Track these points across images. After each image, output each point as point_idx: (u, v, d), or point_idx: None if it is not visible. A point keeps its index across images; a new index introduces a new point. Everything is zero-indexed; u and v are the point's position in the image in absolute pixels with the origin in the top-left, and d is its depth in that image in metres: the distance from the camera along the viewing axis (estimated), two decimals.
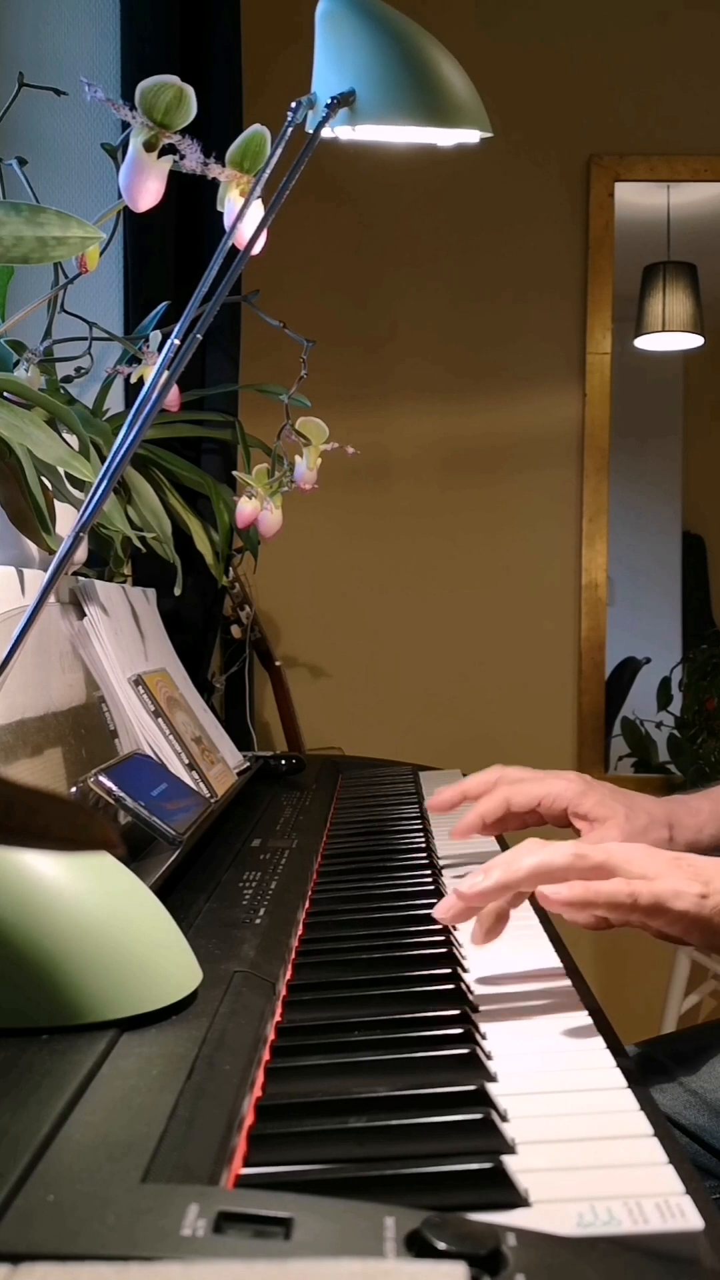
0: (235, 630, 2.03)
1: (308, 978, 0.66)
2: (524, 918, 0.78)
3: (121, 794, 0.79)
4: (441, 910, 0.67)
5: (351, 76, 0.72)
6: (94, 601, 1.02)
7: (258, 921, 0.74)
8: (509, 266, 2.36)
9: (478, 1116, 0.47)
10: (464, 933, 0.74)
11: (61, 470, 0.89)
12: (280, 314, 1.14)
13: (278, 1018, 0.60)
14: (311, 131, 0.73)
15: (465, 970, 0.67)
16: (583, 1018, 0.60)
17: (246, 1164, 0.44)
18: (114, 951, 0.56)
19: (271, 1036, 0.57)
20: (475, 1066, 0.53)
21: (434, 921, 0.74)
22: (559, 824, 0.90)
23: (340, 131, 0.74)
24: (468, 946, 0.71)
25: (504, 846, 0.98)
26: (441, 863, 0.94)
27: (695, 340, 2.66)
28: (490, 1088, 0.50)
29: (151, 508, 1.16)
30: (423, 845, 0.97)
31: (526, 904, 0.82)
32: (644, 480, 2.88)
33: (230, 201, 0.78)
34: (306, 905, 0.81)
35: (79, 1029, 0.54)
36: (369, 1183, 0.43)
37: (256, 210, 0.76)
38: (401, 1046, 0.55)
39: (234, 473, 1.27)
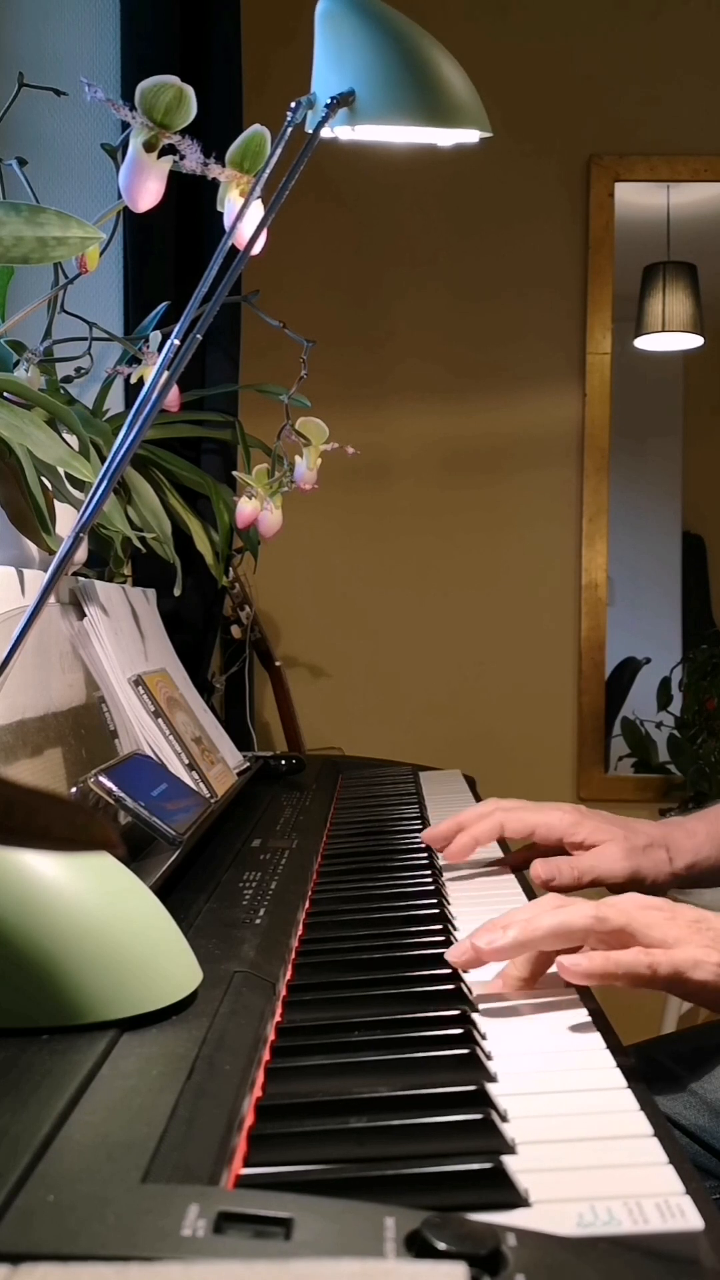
0: (235, 630, 2.03)
1: (308, 978, 0.66)
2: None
3: (121, 794, 0.79)
4: (454, 955, 0.66)
5: (351, 76, 0.72)
6: (94, 601, 1.02)
7: (258, 921, 0.74)
8: (509, 266, 2.36)
9: (478, 1116, 0.47)
10: (464, 934, 0.74)
11: (61, 470, 0.89)
12: (280, 314, 1.14)
13: (278, 1018, 0.60)
14: (311, 131, 0.73)
15: (465, 970, 0.67)
16: (583, 1018, 0.60)
17: (246, 1164, 0.44)
18: (114, 951, 0.56)
19: (271, 1036, 0.57)
20: (475, 1066, 0.53)
21: (435, 921, 0.74)
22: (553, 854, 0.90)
23: (340, 131, 0.74)
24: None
25: (505, 849, 0.98)
26: (441, 863, 0.94)
27: (695, 340, 2.66)
28: (490, 1088, 0.50)
29: (151, 508, 1.16)
30: (423, 845, 0.97)
31: (523, 899, 0.82)
32: (644, 480, 2.88)
33: (230, 201, 0.78)
34: (306, 905, 0.81)
35: (79, 1029, 0.54)
36: (369, 1183, 0.43)
37: (256, 210, 0.76)
38: (401, 1046, 0.55)
39: (234, 473, 1.27)
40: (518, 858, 0.93)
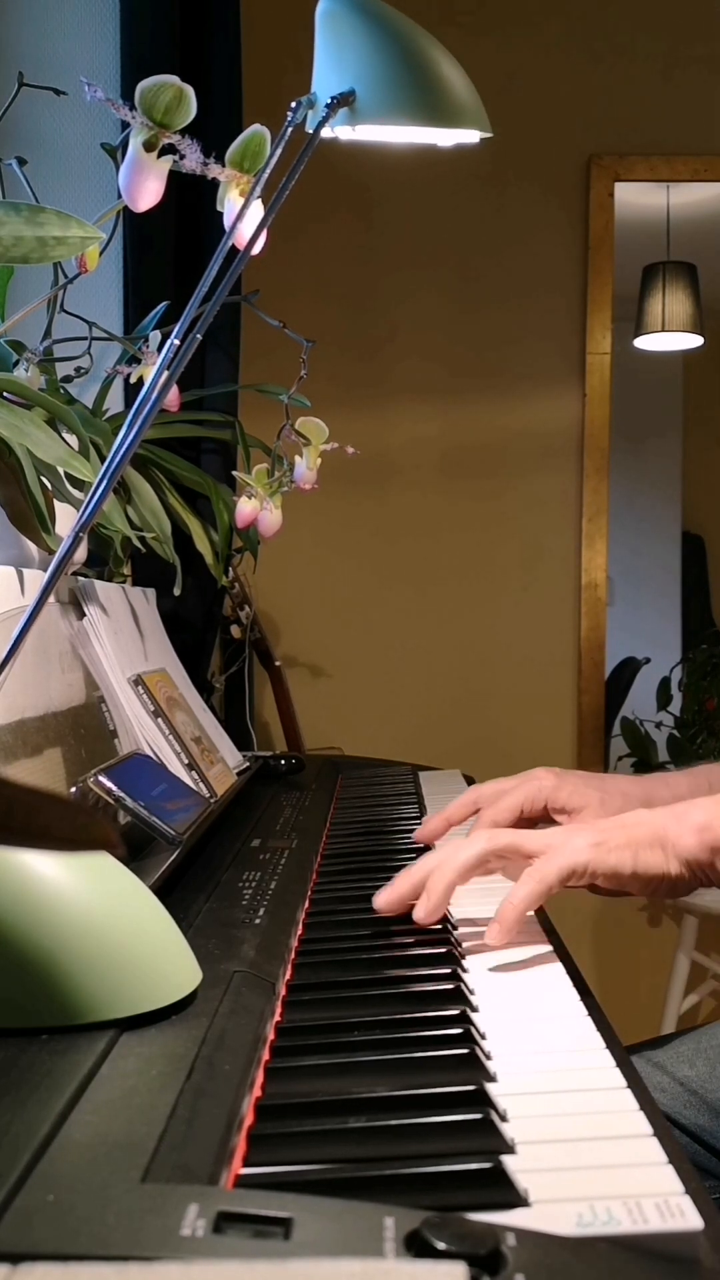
0: (235, 630, 2.03)
1: (307, 978, 0.66)
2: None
3: (121, 794, 0.79)
4: (382, 904, 0.75)
5: (351, 76, 0.72)
6: (94, 601, 1.02)
7: (257, 921, 0.74)
8: (509, 266, 2.36)
9: (477, 1116, 0.47)
10: (463, 932, 0.74)
11: (61, 470, 0.89)
12: (280, 314, 1.14)
13: (277, 1018, 0.60)
14: (311, 131, 0.73)
15: (465, 970, 0.67)
16: (583, 1017, 0.60)
17: (246, 1164, 0.44)
18: (114, 951, 0.56)
19: (271, 1036, 0.57)
20: (475, 1066, 0.53)
21: (435, 921, 0.74)
22: (542, 824, 0.91)
23: (340, 131, 0.74)
24: (470, 953, 0.71)
25: None
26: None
27: (695, 340, 2.66)
28: (490, 1088, 0.50)
29: (151, 508, 1.16)
30: (422, 845, 0.97)
31: None
32: (644, 480, 2.88)
33: (230, 201, 0.78)
34: (306, 905, 0.81)
35: (79, 1029, 0.54)
36: (369, 1183, 0.43)
37: (256, 210, 0.76)
38: (401, 1046, 0.55)
39: (234, 473, 1.27)
40: None
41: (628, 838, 0.72)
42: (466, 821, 0.93)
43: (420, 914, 0.72)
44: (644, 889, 0.73)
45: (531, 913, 0.81)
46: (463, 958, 0.70)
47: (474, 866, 0.73)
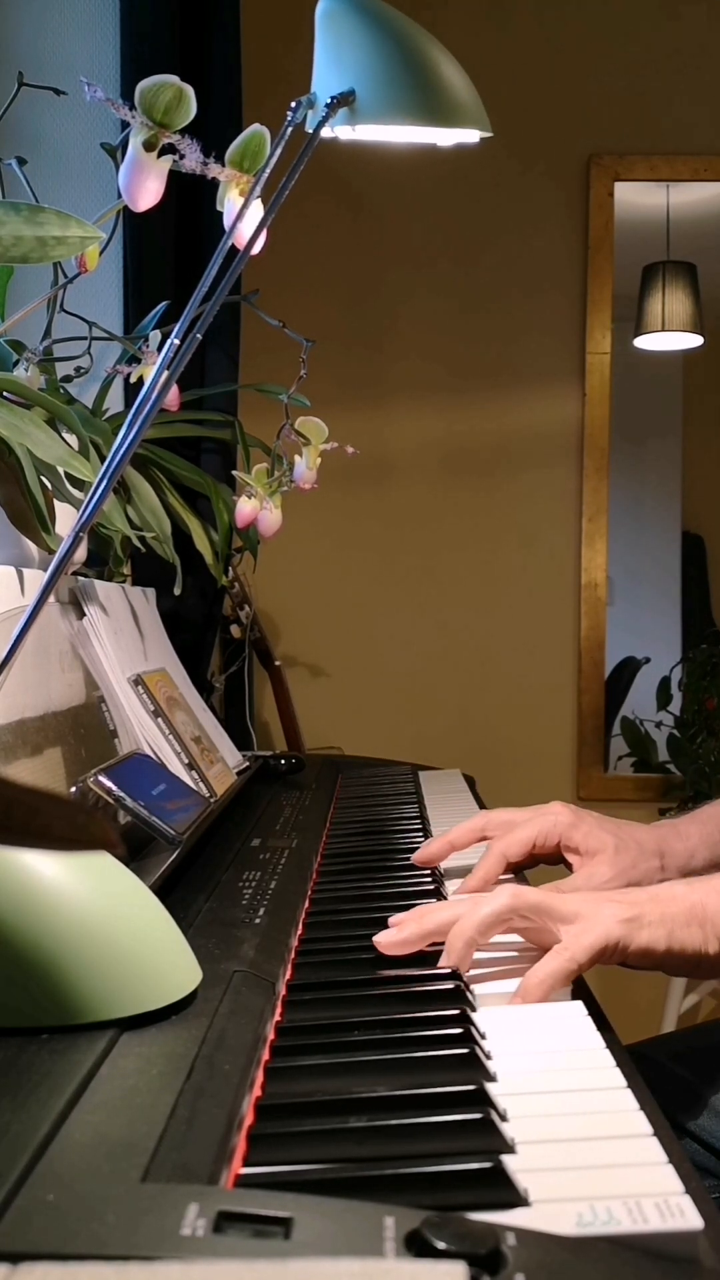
0: (235, 630, 2.03)
1: (307, 977, 0.66)
2: None
3: (121, 794, 0.79)
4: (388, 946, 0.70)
5: (351, 76, 0.72)
6: (94, 601, 1.02)
7: (257, 921, 0.74)
8: (509, 266, 2.36)
9: (477, 1116, 0.47)
10: None
11: (61, 470, 0.89)
12: (280, 314, 1.14)
13: (277, 1017, 0.60)
14: (311, 131, 0.73)
15: (465, 970, 0.67)
16: (583, 1018, 0.60)
17: (246, 1164, 0.44)
18: (114, 951, 0.56)
19: (271, 1036, 0.57)
20: (474, 1066, 0.53)
21: None
22: (552, 860, 0.90)
23: (340, 131, 0.74)
24: None
25: None
26: (441, 863, 0.93)
27: (695, 340, 2.66)
28: (490, 1087, 0.50)
29: (151, 507, 1.16)
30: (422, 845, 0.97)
31: None
32: (644, 480, 2.88)
33: (230, 201, 0.78)
34: (306, 905, 0.81)
35: (79, 1029, 0.54)
36: (369, 1183, 0.43)
37: (256, 210, 0.76)
38: (401, 1046, 0.55)
39: (234, 472, 1.27)
40: (514, 866, 0.92)
41: (662, 913, 0.67)
42: (471, 848, 0.91)
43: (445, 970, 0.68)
44: (679, 969, 0.68)
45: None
46: None
47: (496, 924, 0.67)
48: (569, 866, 0.87)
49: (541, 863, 0.89)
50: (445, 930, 0.68)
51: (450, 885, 0.88)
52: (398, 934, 0.69)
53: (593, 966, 0.65)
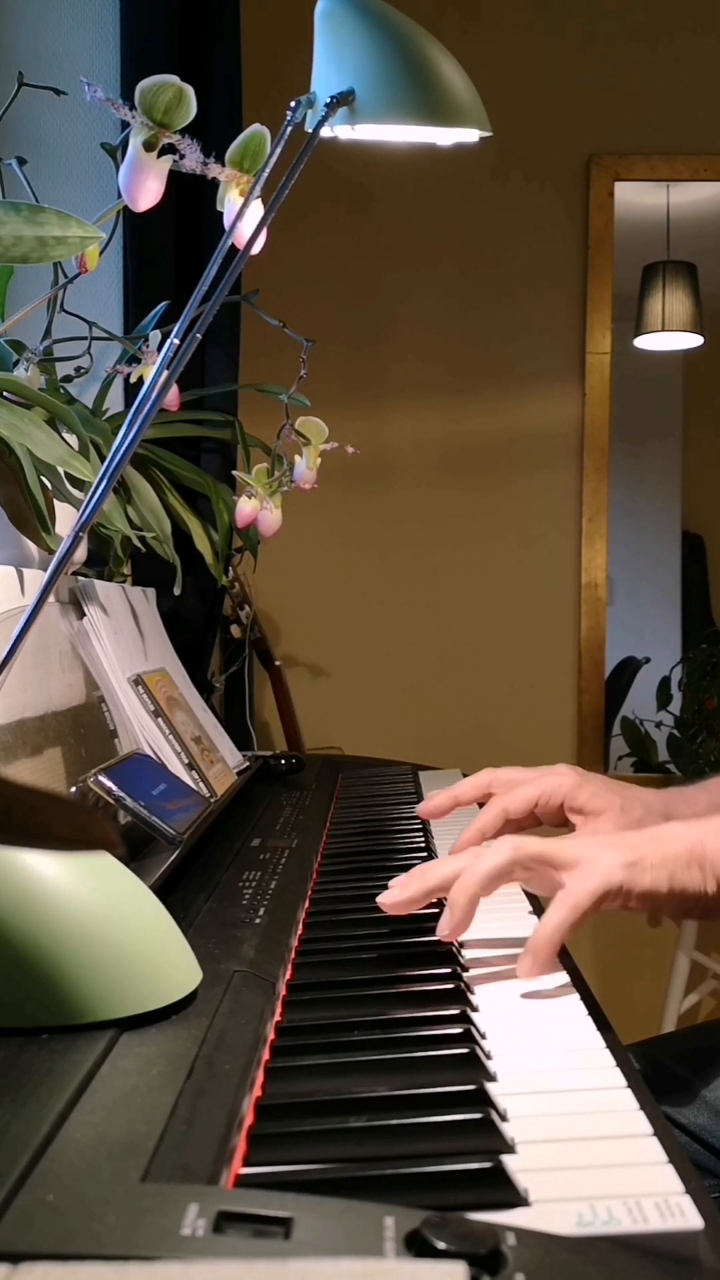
0: (235, 630, 2.03)
1: (307, 977, 0.66)
2: (524, 918, 0.78)
3: (121, 794, 0.79)
4: (390, 904, 0.70)
5: (351, 76, 0.72)
6: (94, 601, 1.02)
7: (257, 921, 0.74)
8: (508, 266, 2.36)
9: (477, 1116, 0.47)
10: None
11: (61, 470, 0.89)
12: (280, 314, 1.14)
13: (277, 1017, 0.60)
14: (311, 131, 0.73)
15: (465, 970, 0.67)
16: (583, 1017, 0.60)
17: (246, 1164, 0.44)
18: (114, 951, 0.56)
19: (271, 1036, 0.57)
20: (475, 1066, 0.53)
21: (434, 919, 0.74)
22: (555, 822, 0.89)
23: (340, 131, 0.74)
24: (467, 946, 0.71)
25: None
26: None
27: (695, 340, 2.65)
28: (490, 1087, 0.50)
29: (151, 507, 1.16)
30: (423, 845, 0.97)
31: (525, 905, 0.82)
32: (644, 480, 2.88)
33: (230, 201, 0.78)
34: (306, 905, 0.81)
35: (79, 1029, 0.54)
36: (369, 1182, 0.43)
37: (256, 210, 0.76)
38: (401, 1046, 0.55)
39: (234, 472, 1.27)
40: (516, 825, 0.91)
41: (663, 854, 0.67)
42: (473, 807, 0.91)
43: (445, 930, 0.67)
44: (680, 910, 0.68)
45: (532, 915, 0.81)
46: (463, 958, 0.69)
47: (499, 877, 0.67)
48: (573, 829, 0.87)
49: (545, 824, 0.89)
50: (448, 886, 0.67)
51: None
52: (400, 893, 0.68)
53: (597, 911, 0.65)
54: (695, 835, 0.68)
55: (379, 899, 0.69)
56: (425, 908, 0.72)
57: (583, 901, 0.64)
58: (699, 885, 0.67)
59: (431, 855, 0.94)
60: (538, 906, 0.83)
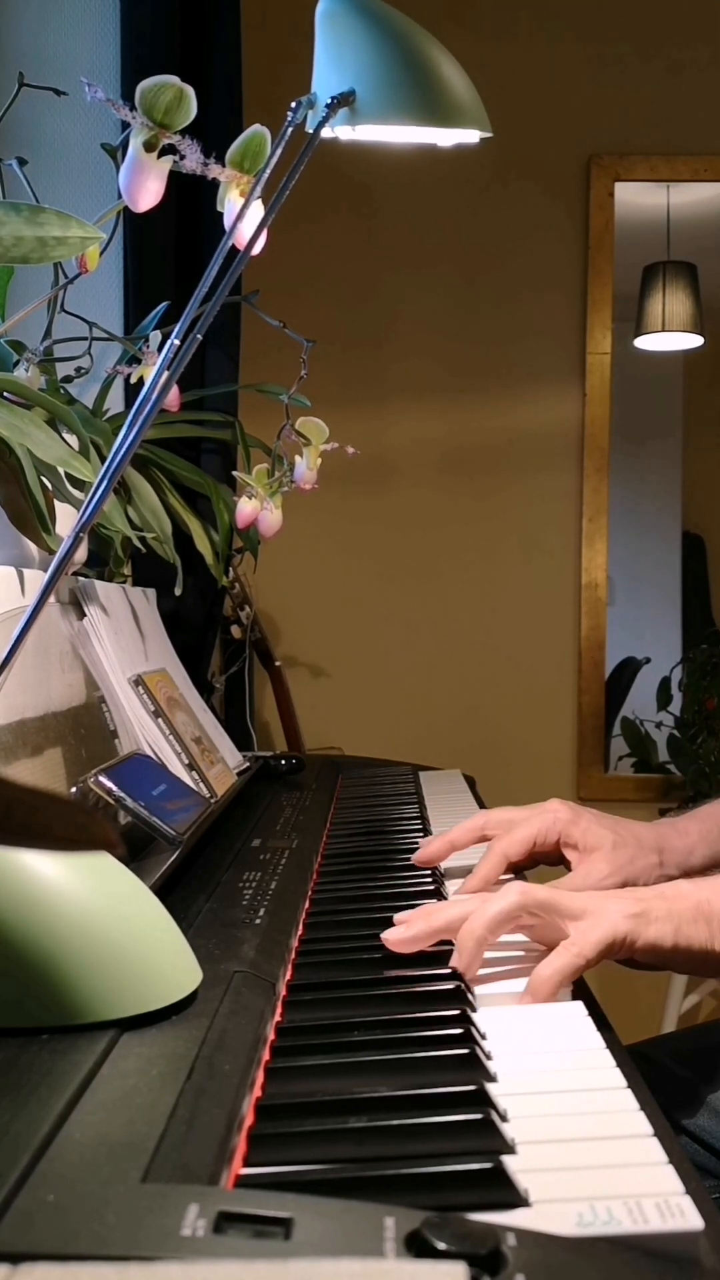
0: (235, 630, 2.03)
1: (308, 978, 0.66)
2: None
3: (121, 794, 0.79)
4: (396, 942, 0.69)
5: (351, 76, 0.72)
6: (94, 601, 1.02)
7: (258, 921, 0.74)
8: (509, 266, 2.36)
9: (477, 1116, 0.47)
10: None
11: (61, 470, 0.89)
12: (280, 314, 1.14)
13: (278, 1018, 0.60)
14: (311, 131, 0.73)
15: (475, 971, 0.67)
16: (583, 1017, 0.60)
17: (246, 1164, 0.44)
18: (114, 951, 0.56)
19: (271, 1036, 0.57)
20: (475, 1066, 0.53)
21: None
22: (552, 860, 0.90)
23: (340, 131, 0.74)
24: None
25: None
26: (441, 863, 0.93)
27: (695, 340, 2.65)
28: (490, 1088, 0.50)
29: (151, 508, 1.16)
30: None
31: None
32: (644, 480, 2.88)
33: (230, 201, 0.78)
34: (306, 905, 0.81)
35: (79, 1029, 0.54)
36: (369, 1183, 0.43)
37: (256, 210, 0.76)
38: (401, 1046, 0.55)
39: (234, 473, 1.27)
40: (515, 865, 0.92)
41: (669, 909, 0.67)
42: (471, 849, 0.91)
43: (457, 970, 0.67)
44: (686, 965, 0.69)
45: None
46: None
47: (505, 922, 0.67)
48: (568, 866, 0.88)
49: (542, 862, 0.90)
50: (453, 928, 0.67)
51: (451, 885, 0.88)
52: (405, 931, 0.68)
53: (600, 962, 0.65)
54: (702, 893, 0.69)
55: (383, 936, 0.69)
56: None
57: (587, 950, 0.64)
58: (705, 941, 0.68)
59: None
60: None
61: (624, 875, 0.85)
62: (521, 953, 0.70)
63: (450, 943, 0.70)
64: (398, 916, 0.70)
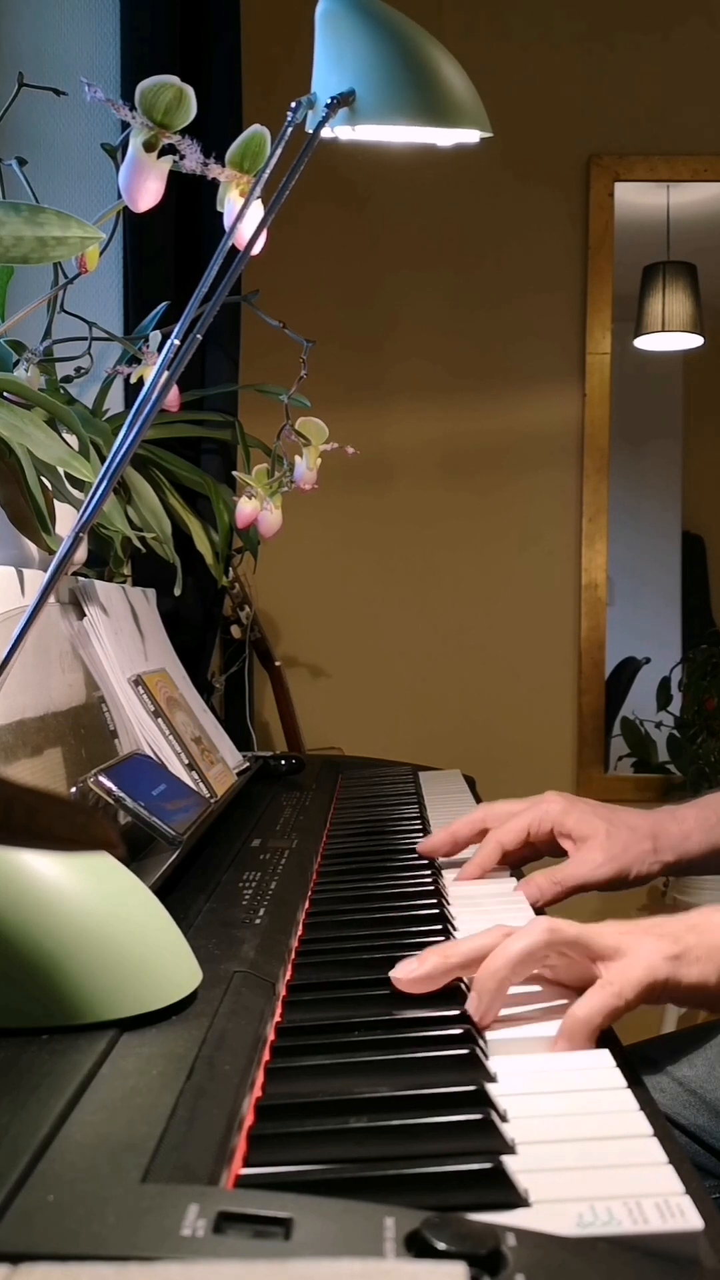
0: (235, 630, 2.03)
1: (308, 978, 0.66)
2: (525, 916, 0.78)
3: (121, 794, 0.79)
4: (408, 982, 0.63)
5: (351, 76, 0.72)
6: (94, 601, 1.02)
7: (258, 921, 0.74)
8: (509, 266, 2.36)
9: (477, 1116, 0.47)
10: (464, 934, 0.74)
11: (61, 470, 0.89)
12: (280, 314, 1.14)
13: (278, 1018, 0.60)
14: (311, 131, 0.73)
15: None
16: None
17: (246, 1164, 0.44)
18: (114, 951, 0.56)
19: (271, 1036, 0.57)
20: (475, 1066, 0.53)
21: (435, 921, 0.74)
22: (548, 850, 0.91)
23: (340, 131, 0.74)
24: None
25: None
26: (441, 863, 0.94)
27: (695, 340, 2.66)
28: (490, 1088, 0.50)
29: (151, 508, 1.16)
30: (426, 859, 0.97)
31: (525, 903, 0.82)
32: (644, 480, 2.88)
33: (230, 201, 0.78)
34: (306, 905, 0.81)
35: (79, 1029, 0.54)
36: (369, 1183, 0.43)
37: (256, 210, 0.76)
38: (401, 1046, 0.55)
39: (234, 473, 1.27)
40: (514, 855, 0.93)
41: (708, 946, 0.62)
42: (470, 847, 0.92)
43: (474, 1015, 0.60)
44: None
45: (532, 909, 0.81)
46: None
47: (531, 961, 0.61)
48: (564, 854, 0.89)
49: (542, 854, 0.90)
50: (470, 964, 0.62)
51: (448, 875, 0.89)
52: (419, 968, 0.62)
53: (639, 1005, 0.61)
54: None
55: (392, 974, 0.63)
56: (427, 923, 0.73)
57: (627, 991, 0.59)
58: None
59: (432, 860, 0.94)
60: (538, 908, 0.83)
61: (619, 863, 0.86)
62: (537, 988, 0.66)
63: (447, 940, 0.70)
64: (411, 959, 0.64)
